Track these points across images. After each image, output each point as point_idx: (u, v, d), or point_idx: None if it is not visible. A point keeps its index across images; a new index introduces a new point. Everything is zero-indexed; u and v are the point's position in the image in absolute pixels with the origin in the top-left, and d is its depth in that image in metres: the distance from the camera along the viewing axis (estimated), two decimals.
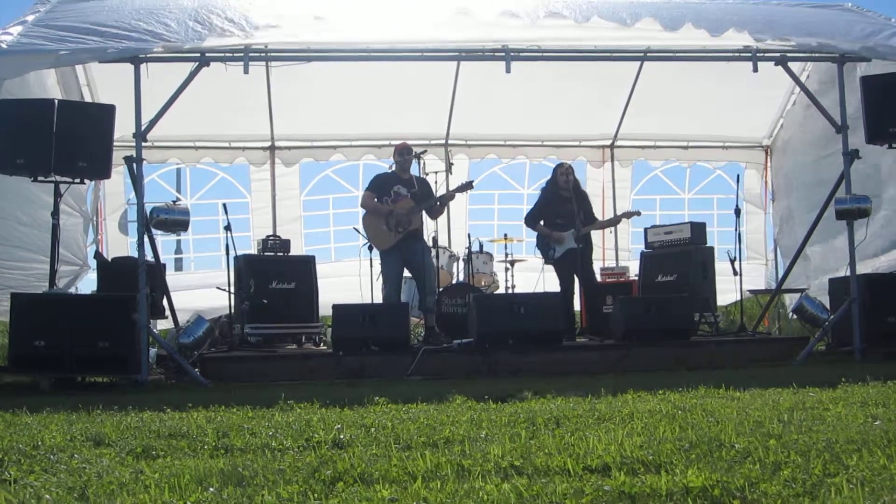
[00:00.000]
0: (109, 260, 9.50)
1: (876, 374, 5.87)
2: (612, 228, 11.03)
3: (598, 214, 10.31)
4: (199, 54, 7.79)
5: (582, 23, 8.07)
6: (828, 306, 9.03)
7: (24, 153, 7.22)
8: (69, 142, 7.24)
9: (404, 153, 9.08)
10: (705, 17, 8.34)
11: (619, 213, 11.07)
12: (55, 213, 7.61)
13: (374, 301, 9.04)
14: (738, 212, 9.77)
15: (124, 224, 10.83)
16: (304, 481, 3.03)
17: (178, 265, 12.43)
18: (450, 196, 9.27)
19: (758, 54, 8.45)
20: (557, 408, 4.81)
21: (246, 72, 7.92)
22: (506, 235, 10.73)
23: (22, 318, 7.10)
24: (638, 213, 10.46)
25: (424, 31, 8.37)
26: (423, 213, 9.02)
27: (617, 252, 12.02)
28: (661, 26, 8.12)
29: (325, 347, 9.47)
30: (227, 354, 8.41)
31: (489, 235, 11.58)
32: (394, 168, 9.18)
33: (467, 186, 9.34)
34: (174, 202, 8.44)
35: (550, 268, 9.70)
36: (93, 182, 10.05)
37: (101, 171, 7.75)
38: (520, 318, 8.09)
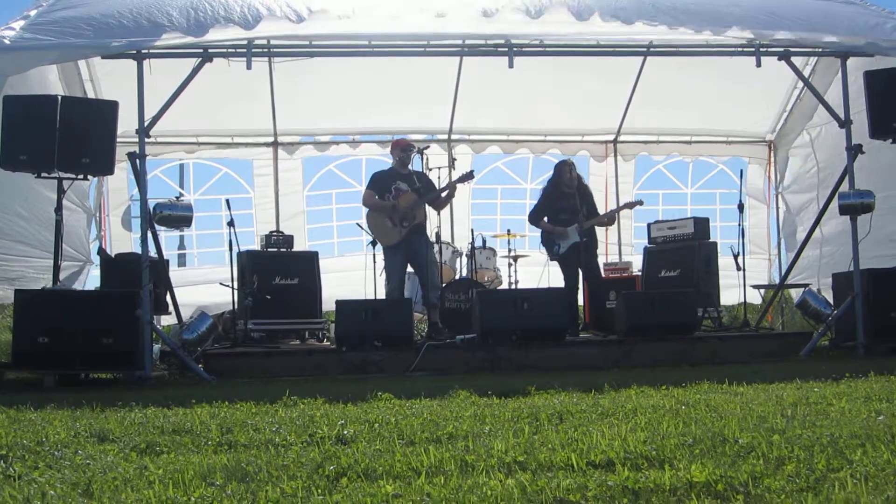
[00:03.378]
0: (113, 256, 9.51)
1: (879, 369, 5.88)
2: (616, 223, 11.02)
3: (600, 209, 10.30)
4: (201, 50, 7.78)
5: (583, 21, 8.06)
6: (831, 301, 9.02)
7: (27, 149, 7.21)
8: (72, 138, 7.24)
9: (405, 149, 9.10)
10: (708, 15, 8.32)
11: (620, 204, 11.02)
12: (58, 210, 7.61)
13: (378, 297, 9.05)
14: (741, 207, 9.76)
15: (127, 220, 10.84)
16: (307, 477, 3.04)
17: (182, 261, 12.46)
18: (452, 187, 9.27)
19: (761, 49, 8.44)
20: (561, 403, 4.81)
21: (249, 67, 7.91)
22: (509, 231, 10.73)
23: (25, 315, 7.09)
24: (640, 203, 10.42)
25: (427, 25, 8.35)
26: (427, 206, 9.03)
27: (620, 247, 12.01)
28: (664, 26, 8.11)
29: (328, 343, 9.49)
30: (231, 350, 8.43)
31: (492, 230, 11.61)
32: (393, 164, 9.19)
33: (468, 177, 9.33)
34: (177, 198, 8.45)
35: (553, 263, 9.71)
36: (96, 178, 10.06)
37: (105, 167, 7.74)
38: (523, 313, 8.09)
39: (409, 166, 9.12)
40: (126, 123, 7.76)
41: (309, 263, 9.85)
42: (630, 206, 10.33)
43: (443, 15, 8.14)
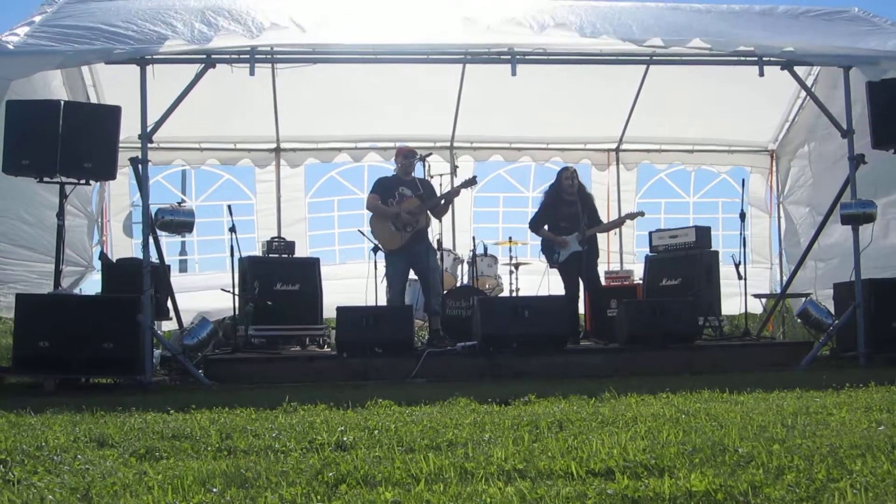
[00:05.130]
0: (114, 261, 9.51)
1: (880, 380, 5.87)
2: (617, 231, 11.04)
3: (602, 218, 10.29)
4: (204, 56, 7.80)
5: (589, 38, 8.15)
6: (832, 311, 9.01)
7: (29, 154, 7.23)
8: (75, 143, 7.25)
9: (407, 156, 9.11)
10: (712, 33, 8.38)
11: (622, 215, 11.04)
12: (60, 214, 7.62)
13: (379, 303, 9.04)
14: (742, 216, 9.77)
15: (129, 226, 10.84)
16: (307, 483, 3.03)
17: (183, 266, 12.47)
18: (455, 192, 9.26)
19: (763, 58, 8.45)
20: (561, 411, 4.81)
21: (252, 73, 7.94)
22: (510, 238, 10.73)
23: (26, 319, 7.09)
24: (642, 214, 10.44)
25: (431, 35, 8.39)
26: (429, 213, 9.04)
27: (621, 255, 12.02)
28: (670, 46, 8.21)
29: (329, 349, 9.48)
30: (231, 356, 8.42)
31: (494, 238, 11.58)
32: (396, 171, 9.20)
33: (471, 182, 9.33)
34: (179, 203, 8.44)
35: (554, 270, 9.70)
36: (98, 183, 10.06)
37: (107, 172, 7.76)
38: (524, 321, 8.08)
39: (412, 173, 9.13)
40: (129, 129, 7.78)
41: (310, 270, 9.85)
42: (631, 216, 10.34)
43: (446, 27, 8.21)
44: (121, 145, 7.71)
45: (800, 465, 3.11)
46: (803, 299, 9.80)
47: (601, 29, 8.22)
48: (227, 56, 7.95)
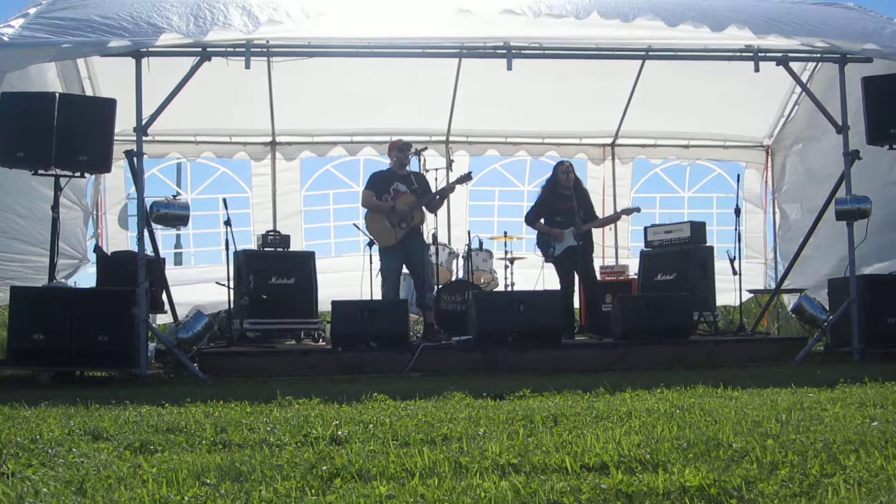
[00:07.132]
0: (109, 254, 9.50)
1: (874, 375, 5.88)
2: (612, 226, 11.04)
3: (598, 212, 10.30)
4: (200, 49, 7.78)
5: (583, 19, 8.06)
6: (827, 307, 9.02)
7: (24, 146, 7.21)
8: (70, 135, 7.23)
9: (402, 149, 9.10)
10: (706, 14, 8.33)
11: (618, 210, 11.05)
12: (55, 207, 7.60)
13: (374, 297, 9.04)
14: (738, 211, 9.78)
15: (124, 218, 10.83)
16: (301, 477, 3.04)
17: (178, 260, 12.43)
18: (449, 188, 9.27)
19: (759, 54, 8.45)
20: (555, 406, 4.81)
21: (247, 67, 7.92)
22: (506, 233, 10.74)
23: (21, 312, 7.09)
24: (637, 210, 10.46)
25: (426, 28, 8.37)
26: (423, 208, 9.03)
27: (617, 250, 12.02)
28: (662, 22, 8.10)
29: (324, 343, 9.47)
30: (226, 350, 8.43)
31: (489, 232, 11.59)
32: (391, 165, 9.19)
33: (466, 178, 9.35)
34: (174, 197, 8.44)
35: (550, 265, 9.71)
36: (93, 176, 10.05)
37: (102, 164, 7.73)
38: (519, 315, 8.08)
39: (407, 167, 9.12)
40: (124, 122, 7.76)
41: (305, 263, 9.84)
42: (627, 212, 10.35)
43: (441, 18, 8.17)
44: (116, 138, 7.69)
45: (793, 461, 3.12)
46: (798, 294, 9.81)
47: (593, 6, 8.15)
48: (223, 49, 7.94)
